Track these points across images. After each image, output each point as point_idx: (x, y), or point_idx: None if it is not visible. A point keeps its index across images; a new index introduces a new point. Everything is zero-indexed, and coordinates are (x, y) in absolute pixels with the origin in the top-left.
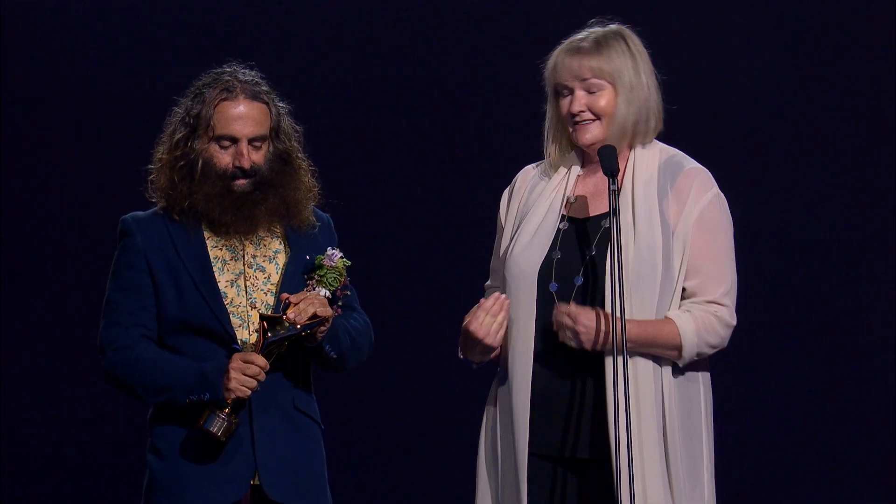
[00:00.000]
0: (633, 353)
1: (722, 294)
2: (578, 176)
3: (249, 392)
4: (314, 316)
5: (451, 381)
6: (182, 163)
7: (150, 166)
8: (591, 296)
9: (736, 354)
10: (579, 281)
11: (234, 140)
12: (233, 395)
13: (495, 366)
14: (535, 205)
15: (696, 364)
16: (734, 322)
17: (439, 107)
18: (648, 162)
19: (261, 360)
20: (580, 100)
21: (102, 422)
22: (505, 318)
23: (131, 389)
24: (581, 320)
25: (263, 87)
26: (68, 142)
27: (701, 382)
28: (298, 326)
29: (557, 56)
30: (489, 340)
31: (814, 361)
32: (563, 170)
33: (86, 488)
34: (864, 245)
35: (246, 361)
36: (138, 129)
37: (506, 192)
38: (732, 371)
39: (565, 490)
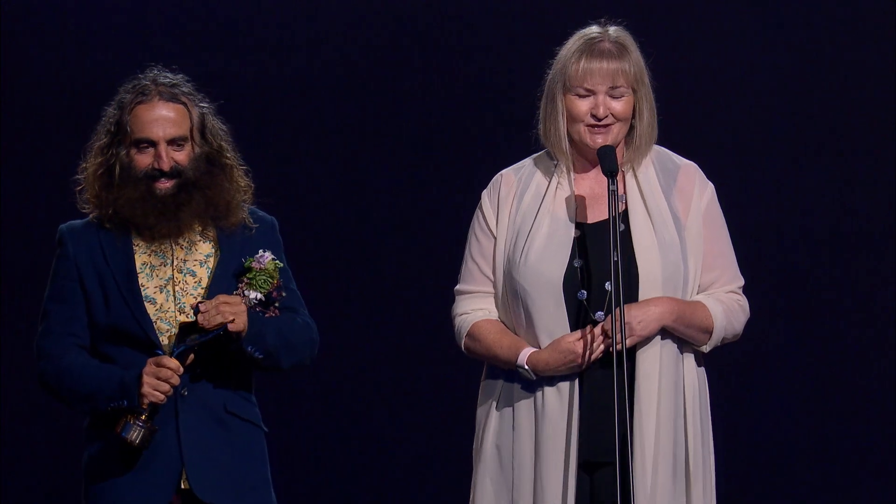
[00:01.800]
0: (667, 337)
1: (739, 287)
2: (573, 178)
3: (163, 396)
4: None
5: (424, 382)
6: (102, 170)
7: (77, 176)
8: (625, 300)
9: (735, 353)
10: (609, 287)
11: (153, 143)
12: (146, 400)
13: (477, 367)
14: (536, 211)
15: (700, 360)
16: (749, 313)
17: (416, 106)
18: (644, 161)
19: (172, 363)
20: (606, 104)
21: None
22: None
23: (61, 398)
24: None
25: (182, 89)
26: (68, 141)
27: (706, 380)
28: (198, 336)
29: (579, 57)
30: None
31: (814, 360)
32: (556, 172)
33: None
34: (865, 243)
35: (158, 365)
36: None
37: (486, 197)
38: (732, 369)
39: (587, 492)
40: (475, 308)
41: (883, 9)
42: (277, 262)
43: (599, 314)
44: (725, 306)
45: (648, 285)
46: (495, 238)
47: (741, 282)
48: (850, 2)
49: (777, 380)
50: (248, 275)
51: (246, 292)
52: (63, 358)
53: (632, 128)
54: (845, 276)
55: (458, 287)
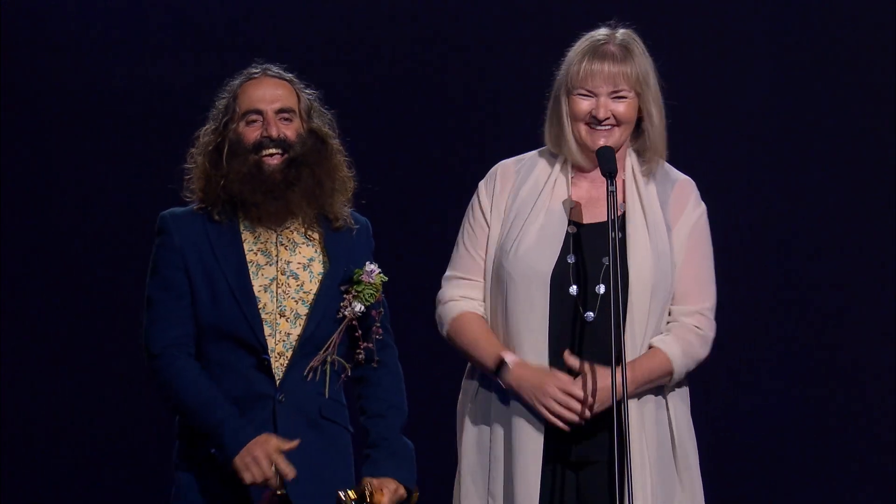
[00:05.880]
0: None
1: (707, 308)
2: (573, 178)
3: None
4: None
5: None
6: (211, 148)
7: (186, 165)
8: (615, 304)
9: (733, 355)
10: (601, 290)
11: (260, 112)
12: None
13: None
14: (532, 204)
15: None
16: (714, 335)
17: (429, 104)
18: (644, 169)
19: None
20: (607, 105)
21: (103, 421)
22: None
23: (170, 404)
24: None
25: (289, 76)
26: (67, 140)
27: (687, 385)
28: None
29: (581, 59)
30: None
31: (812, 362)
32: (556, 169)
33: (84, 488)
34: (864, 245)
35: (262, 458)
36: (137, 128)
37: (482, 186)
38: (730, 371)
39: (574, 490)
40: (463, 295)
41: (883, 9)
42: (383, 276)
43: (589, 314)
44: (684, 343)
45: (639, 290)
46: (489, 227)
47: (709, 303)
48: (851, 2)
49: (774, 380)
50: (356, 287)
51: (352, 304)
52: (173, 364)
53: (644, 130)
54: (845, 275)
55: (446, 274)
